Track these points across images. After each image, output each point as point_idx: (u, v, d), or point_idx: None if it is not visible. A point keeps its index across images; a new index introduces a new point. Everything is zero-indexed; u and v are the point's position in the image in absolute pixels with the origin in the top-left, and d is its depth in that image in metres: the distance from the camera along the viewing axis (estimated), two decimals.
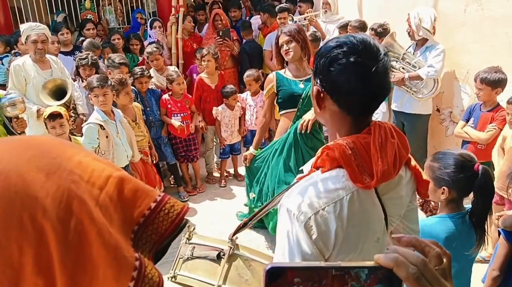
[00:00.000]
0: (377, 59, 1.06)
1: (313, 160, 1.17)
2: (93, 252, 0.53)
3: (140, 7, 7.23)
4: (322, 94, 1.11)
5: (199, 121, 4.65)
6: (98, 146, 3.24)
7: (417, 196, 1.33)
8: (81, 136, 3.44)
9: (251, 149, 3.53)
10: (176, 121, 4.36)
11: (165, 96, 4.41)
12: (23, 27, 3.85)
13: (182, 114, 4.43)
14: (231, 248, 1.62)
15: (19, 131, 3.23)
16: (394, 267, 0.55)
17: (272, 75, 3.28)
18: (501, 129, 3.24)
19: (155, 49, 4.68)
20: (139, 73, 4.23)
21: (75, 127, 3.59)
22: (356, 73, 1.05)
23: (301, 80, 3.19)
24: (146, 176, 3.86)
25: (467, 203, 1.90)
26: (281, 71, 3.27)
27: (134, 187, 0.62)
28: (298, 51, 3.14)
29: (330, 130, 1.17)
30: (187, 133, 4.47)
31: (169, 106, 4.40)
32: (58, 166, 0.55)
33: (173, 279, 1.69)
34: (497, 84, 3.27)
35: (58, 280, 0.52)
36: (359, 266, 0.53)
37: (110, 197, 0.58)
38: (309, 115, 3.09)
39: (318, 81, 1.11)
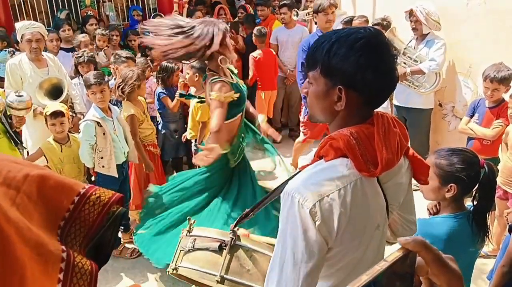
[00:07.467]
0: (393, 49, 1.12)
1: (315, 149, 1.18)
2: (16, 251, 0.52)
3: (140, 4, 7.21)
4: (343, 91, 1.08)
5: None
6: (96, 142, 3.24)
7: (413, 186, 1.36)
8: (79, 134, 3.44)
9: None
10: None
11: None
12: (18, 26, 3.82)
13: None
14: (232, 239, 1.62)
15: (17, 126, 3.24)
16: (423, 251, 0.55)
17: None
18: (508, 126, 3.20)
19: None
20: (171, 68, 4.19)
21: (72, 125, 3.59)
22: (386, 65, 1.09)
23: None
24: (155, 168, 3.84)
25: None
26: None
27: (56, 182, 0.61)
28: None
29: (336, 123, 1.16)
30: None
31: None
32: None
33: (174, 271, 1.68)
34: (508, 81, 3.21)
35: None
36: (397, 257, 0.54)
37: (28, 196, 0.57)
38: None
39: (340, 79, 1.08)
